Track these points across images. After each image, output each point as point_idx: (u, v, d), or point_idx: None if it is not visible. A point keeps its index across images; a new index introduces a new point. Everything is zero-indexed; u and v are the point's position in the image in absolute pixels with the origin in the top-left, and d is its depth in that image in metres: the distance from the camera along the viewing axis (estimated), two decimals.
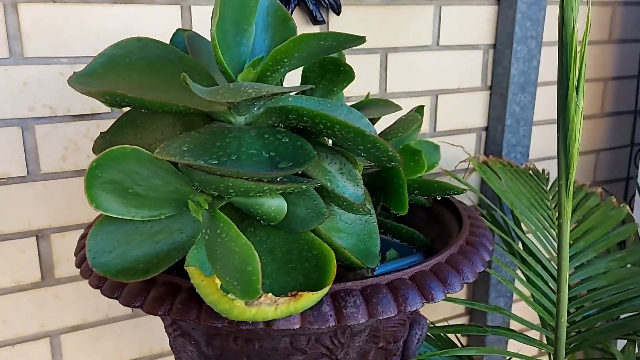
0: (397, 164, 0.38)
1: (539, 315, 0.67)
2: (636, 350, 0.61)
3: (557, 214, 0.72)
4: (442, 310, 0.96)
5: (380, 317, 0.35)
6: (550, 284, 0.68)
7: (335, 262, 0.34)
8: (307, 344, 0.40)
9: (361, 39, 0.37)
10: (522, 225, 0.71)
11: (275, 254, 0.36)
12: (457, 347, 0.61)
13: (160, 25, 0.64)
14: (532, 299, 0.67)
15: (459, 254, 0.42)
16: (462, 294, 0.97)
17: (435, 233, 0.51)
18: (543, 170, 0.82)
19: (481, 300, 0.93)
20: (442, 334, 0.62)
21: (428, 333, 0.63)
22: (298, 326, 0.34)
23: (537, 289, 0.65)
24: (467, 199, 0.88)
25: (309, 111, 0.35)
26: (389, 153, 0.37)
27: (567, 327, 0.64)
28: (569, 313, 0.66)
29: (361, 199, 0.42)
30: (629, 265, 0.71)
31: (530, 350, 1.03)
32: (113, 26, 0.62)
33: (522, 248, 0.69)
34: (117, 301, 0.36)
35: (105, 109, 0.64)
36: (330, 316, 0.34)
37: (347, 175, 0.42)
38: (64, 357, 0.68)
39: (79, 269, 0.40)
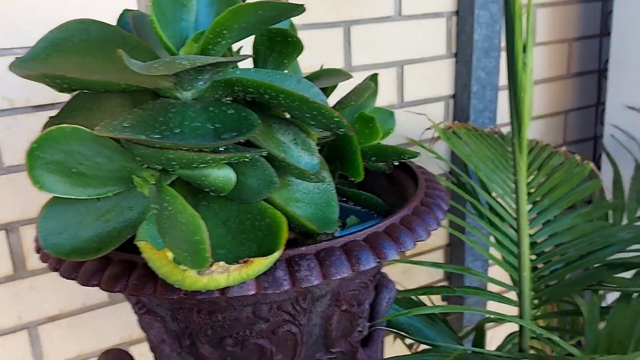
0: (345, 130, 0.39)
1: (510, 275, 0.69)
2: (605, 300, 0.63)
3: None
4: (421, 277, 0.98)
5: (334, 278, 0.36)
6: (516, 242, 0.69)
7: (286, 227, 0.35)
8: (269, 312, 0.41)
9: (300, 8, 0.37)
10: (490, 188, 0.73)
11: (229, 225, 0.37)
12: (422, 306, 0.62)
13: (115, 8, 0.63)
14: (502, 260, 0.68)
15: (413, 214, 0.42)
16: (439, 259, 0.98)
17: (395, 198, 0.52)
18: (508, 133, 0.83)
19: (457, 264, 0.95)
20: (412, 297, 0.63)
21: (400, 297, 0.64)
22: (253, 292, 0.35)
23: (504, 248, 0.67)
24: (438, 167, 0.89)
25: (253, 82, 0.36)
26: (335, 119, 0.37)
27: (536, 282, 0.66)
28: (537, 268, 0.68)
29: (316, 168, 0.42)
30: (594, 220, 0.72)
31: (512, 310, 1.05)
32: (67, 14, 0.62)
33: (489, 210, 0.70)
34: (94, 289, 0.37)
35: (65, 97, 0.64)
36: (285, 280, 0.35)
37: (302, 145, 0.42)
38: (43, 348, 0.68)
39: (39, 254, 0.40)
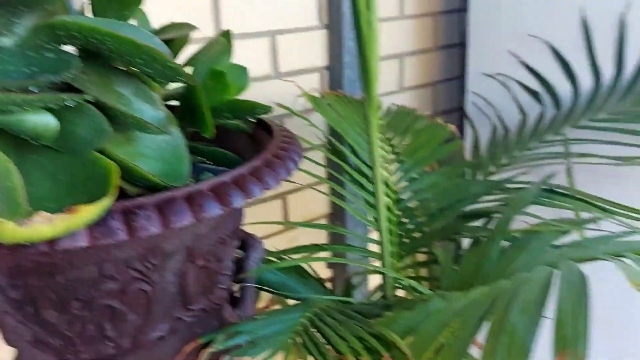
0: (182, 78, 0.38)
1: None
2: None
3: (387, 138, 0.77)
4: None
5: (175, 226, 0.36)
6: (385, 203, 0.73)
7: (117, 174, 0.34)
8: (116, 270, 0.40)
9: None
10: (358, 151, 0.75)
11: (59, 179, 0.35)
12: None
13: None
14: (373, 220, 0.72)
15: (264, 165, 0.43)
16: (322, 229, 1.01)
17: (255, 156, 0.52)
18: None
19: (341, 235, 0.98)
20: (284, 256, 0.65)
21: (273, 259, 0.65)
22: (86, 243, 0.33)
23: (371, 207, 0.70)
24: (317, 138, 0.91)
25: (75, 24, 0.34)
26: (169, 64, 0.36)
27: (402, 236, 0.70)
28: (403, 223, 0.71)
29: (161, 121, 0.42)
30: (454, 178, 0.78)
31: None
32: None
33: (357, 172, 0.73)
34: None
35: None
36: (120, 230, 0.34)
37: (144, 98, 0.41)
38: None
39: None
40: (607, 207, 0.62)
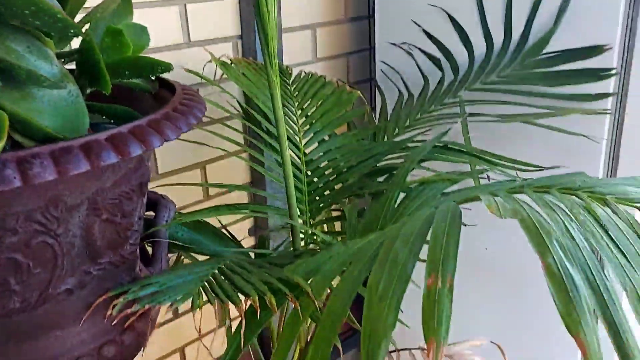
0: (74, 31, 0.39)
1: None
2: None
3: (297, 103, 0.80)
4: (228, 216, 1.02)
5: (71, 173, 0.37)
6: (296, 164, 0.76)
7: (6, 123, 0.35)
8: (17, 223, 0.41)
9: None
10: (269, 115, 0.78)
11: None
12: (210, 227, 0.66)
13: None
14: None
15: (163, 118, 0.45)
16: (244, 197, 1.03)
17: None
18: (287, 67, 0.89)
19: (260, 199, 1.01)
20: (199, 219, 0.67)
21: (190, 221, 0.67)
22: None
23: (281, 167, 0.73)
24: (229, 104, 0.93)
25: None
26: (59, 16, 0.37)
27: (313, 193, 0.74)
28: (313, 182, 0.75)
29: (56, 76, 0.42)
30: (361, 140, 0.82)
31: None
32: None
33: (267, 135, 0.76)
34: None
35: None
36: (15, 177, 0.35)
37: (37, 53, 0.42)
38: None
39: None
40: (493, 159, 0.69)
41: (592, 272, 0.36)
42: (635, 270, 0.36)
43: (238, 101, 0.79)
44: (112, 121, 0.52)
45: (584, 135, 0.75)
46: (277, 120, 0.57)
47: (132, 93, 0.56)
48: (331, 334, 0.43)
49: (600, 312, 0.34)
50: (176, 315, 1.00)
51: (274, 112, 0.56)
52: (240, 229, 1.03)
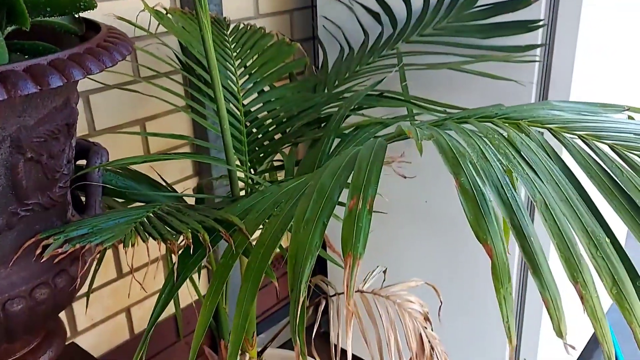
0: None
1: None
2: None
3: (235, 54, 0.79)
4: (173, 174, 1.01)
5: None
6: (235, 115, 0.76)
7: None
8: None
9: None
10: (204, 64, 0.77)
11: None
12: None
13: None
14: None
15: (85, 52, 0.44)
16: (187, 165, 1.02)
17: None
18: (225, 18, 0.88)
19: (203, 151, 1.00)
20: (137, 171, 0.66)
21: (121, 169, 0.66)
22: None
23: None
24: (167, 57, 0.91)
25: None
26: None
27: (253, 144, 0.74)
28: (252, 132, 0.76)
29: None
30: (302, 92, 0.83)
31: None
32: None
33: (204, 84, 0.75)
34: None
35: None
36: None
37: None
38: None
39: None
40: (425, 105, 0.71)
41: (503, 188, 0.39)
42: (543, 183, 0.39)
43: (175, 52, 0.78)
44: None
45: (513, 80, 0.78)
46: (210, 64, 0.56)
47: (56, 34, 0.54)
48: (262, 264, 0.44)
49: (508, 219, 0.36)
50: (120, 275, 0.99)
51: (206, 56, 0.56)
52: (184, 187, 1.02)
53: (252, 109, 0.78)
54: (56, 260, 0.46)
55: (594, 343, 1.33)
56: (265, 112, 0.78)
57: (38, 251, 0.47)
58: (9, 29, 0.48)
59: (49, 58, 0.41)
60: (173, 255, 0.48)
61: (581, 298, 0.35)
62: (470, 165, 0.39)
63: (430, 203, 1.03)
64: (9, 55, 0.45)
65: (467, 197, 0.37)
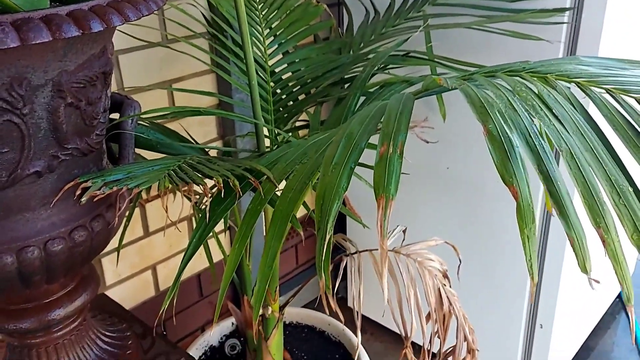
0: None
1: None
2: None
3: (261, 14, 0.80)
4: (197, 136, 1.03)
5: (33, 42, 0.38)
6: (261, 74, 0.77)
7: None
8: None
9: None
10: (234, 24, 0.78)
11: None
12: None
13: None
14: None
15: (123, 0, 0.45)
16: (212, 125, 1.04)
17: None
18: None
19: (228, 108, 1.01)
20: (166, 127, 0.68)
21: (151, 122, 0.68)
22: None
23: (244, 75, 0.74)
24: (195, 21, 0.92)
25: None
26: None
27: (277, 103, 0.75)
28: (277, 93, 0.77)
29: None
30: (327, 54, 0.84)
31: None
32: None
33: (233, 43, 0.76)
34: None
35: None
36: None
37: None
38: None
39: None
40: (451, 64, 0.71)
41: (530, 136, 0.39)
42: (569, 134, 0.39)
43: (203, 14, 0.79)
44: None
45: (542, 39, 0.77)
46: (240, 21, 0.57)
47: None
48: (290, 207, 0.46)
49: (536, 165, 0.37)
50: (147, 233, 1.02)
51: (237, 13, 0.57)
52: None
53: (277, 70, 0.79)
54: (95, 199, 0.48)
55: (599, 329, 1.34)
56: (290, 73, 0.79)
57: (78, 192, 0.49)
58: None
59: (89, 4, 0.43)
60: (203, 201, 0.50)
61: (603, 242, 0.36)
62: (498, 114, 0.40)
63: (452, 169, 1.03)
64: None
65: (495, 142, 0.38)
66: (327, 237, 0.39)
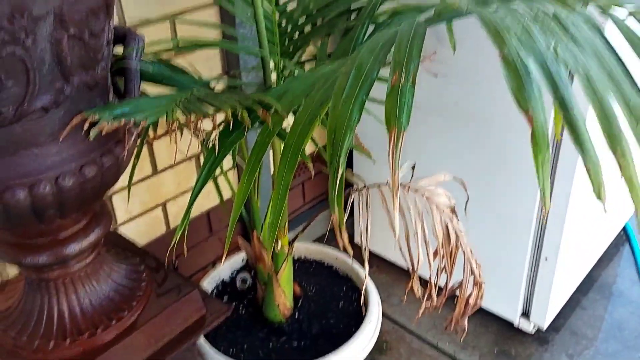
0: None
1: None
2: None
3: None
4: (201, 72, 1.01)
5: None
6: (265, 7, 0.75)
7: None
8: None
9: None
10: None
11: None
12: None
13: None
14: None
15: None
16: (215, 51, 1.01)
17: None
18: None
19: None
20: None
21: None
22: None
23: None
24: None
25: None
26: None
27: (283, 36, 0.73)
28: (281, 25, 0.74)
29: None
30: None
31: None
32: None
33: None
34: None
35: None
36: None
37: None
38: None
39: None
40: None
41: (546, 62, 0.38)
42: (585, 57, 0.38)
43: None
44: None
45: None
46: None
47: None
48: (300, 139, 0.46)
49: (552, 92, 0.36)
50: (155, 171, 1.02)
51: None
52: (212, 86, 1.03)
53: (281, 1, 0.76)
54: (104, 132, 0.48)
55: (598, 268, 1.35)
56: (295, 4, 0.76)
57: (86, 126, 0.49)
58: None
59: None
60: (212, 134, 0.50)
61: (620, 166, 0.36)
62: (514, 39, 0.39)
63: (460, 105, 1.02)
64: None
65: (510, 68, 0.37)
66: (340, 171, 0.39)
